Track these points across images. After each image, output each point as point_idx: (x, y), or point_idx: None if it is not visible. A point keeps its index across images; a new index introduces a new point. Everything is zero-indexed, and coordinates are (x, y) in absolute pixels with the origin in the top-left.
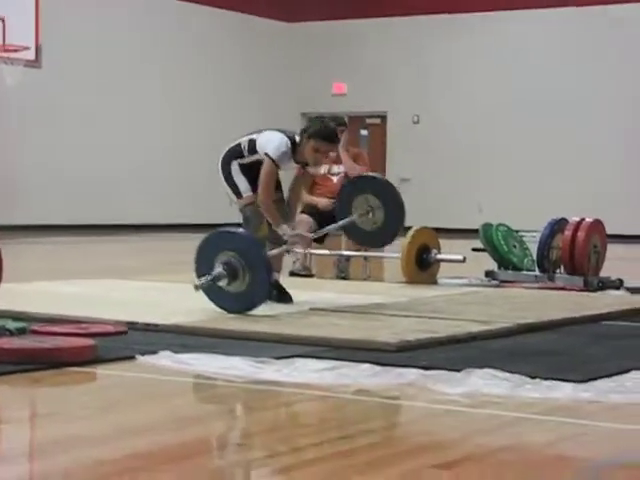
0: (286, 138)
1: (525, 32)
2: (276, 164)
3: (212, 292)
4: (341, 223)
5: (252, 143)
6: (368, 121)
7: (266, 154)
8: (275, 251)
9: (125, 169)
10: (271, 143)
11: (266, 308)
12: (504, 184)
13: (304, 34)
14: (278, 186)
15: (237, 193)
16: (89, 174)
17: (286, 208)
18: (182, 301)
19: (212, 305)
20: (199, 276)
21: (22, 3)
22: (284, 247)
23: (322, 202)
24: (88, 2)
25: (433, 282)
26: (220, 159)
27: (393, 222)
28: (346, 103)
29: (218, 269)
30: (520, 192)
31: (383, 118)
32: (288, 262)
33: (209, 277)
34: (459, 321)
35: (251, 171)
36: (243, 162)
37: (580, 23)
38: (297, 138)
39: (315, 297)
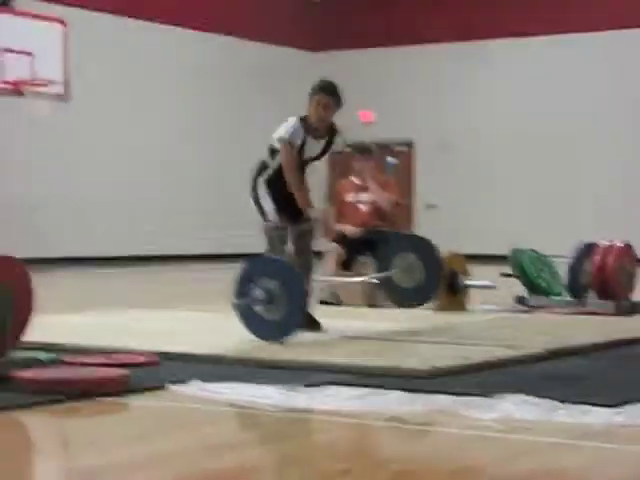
0: (295, 118)
1: (548, 58)
2: (291, 144)
3: (247, 316)
4: (379, 275)
5: (271, 147)
6: (395, 149)
7: (279, 139)
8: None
9: (152, 200)
10: (282, 128)
11: (296, 336)
12: (532, 208)
13: (329, 63)
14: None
15: (263, 214)
16: (116, 206)
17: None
18: (211, 330)
19: (242, 334)
20: (237, 297)
21: (49, 37)
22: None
23: (349, 229)
24: (115, 36)
25: (463, 309)
26: (251, 179)
27: (432, 282)
28: (373, 131)
29: (257, 293)
30: (549, 216)
31: (410, 145)
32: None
33: (247, 299)
34: (490, 347)
35: (278, 182)
36: (268, 174)
37: (607, 47)
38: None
39: (344, 325)
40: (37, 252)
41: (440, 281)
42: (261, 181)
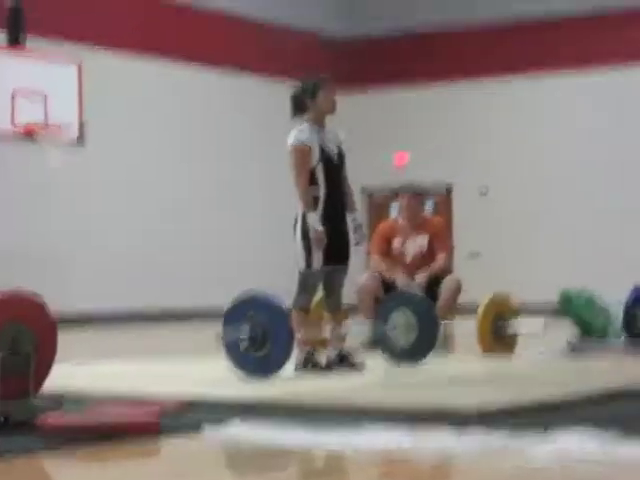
0: (296, 128)
1: (595, 96)
2: (301, 147)
3: (232, 351)
4: (374, 333)
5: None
6: (433, 193)
7: (289, 146)
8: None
9: (169, 251)
10: (288, 140)
11: (336, 380)
12: (580, 250)
13: (363, 103)
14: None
15: (308, 262)
16: (135, 257)
17: (346, 199)
18: (243, 378)
19: (275, 381)
20: (225, 332)
21: (63, 78)
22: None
23: (401, 279)
24: (129, 79)
25: (511, 352)
26: (300, 218)
27: (426, 342)
28: (409, 175)
29: (243, 329)
30: (599, 257)
31: (448, 190)
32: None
33: (232, 334)
34: (543, 389)
35: (326, 223)
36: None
37: None
38: (303, 120)
39: (387, 369)
40: (57, 306)
41: (435, 341)
42: (297, 227)
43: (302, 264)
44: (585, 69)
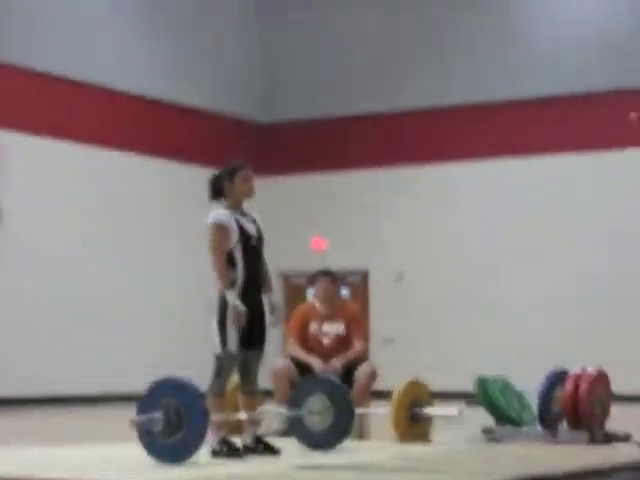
0: (214, 210)
1: (507, 182)
2: (218, 226)
3: (146, 436)
4: (289, 414)
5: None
6: (349, 279)
7: (207, 226)
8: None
9: (87, 333)
10: (207, 220)
11: (252, 464)
12: (495, 337)
13: (279, 188)
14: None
15: (224, 342)
16: (51, 339)
17: (264, 281)
18: (158, 464)
19: (190, 466)
20: (138, 416)
21: None
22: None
23: (316, 364)
24: (46, 163)
25: (426, 439)
26: (217, 299)
27: (341, 427)
28: (325, 260)
29: (156, 413)
30: (514, 344)
31: (364, 275)
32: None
33: (145, 417)
34: (456, 474)
35: (245, 303)
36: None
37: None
38: (221, 204)
39: (302, 454)
40: None
41: (350, 427)
42: (230, 312)
43: (217, 346)
44: (504, 154)
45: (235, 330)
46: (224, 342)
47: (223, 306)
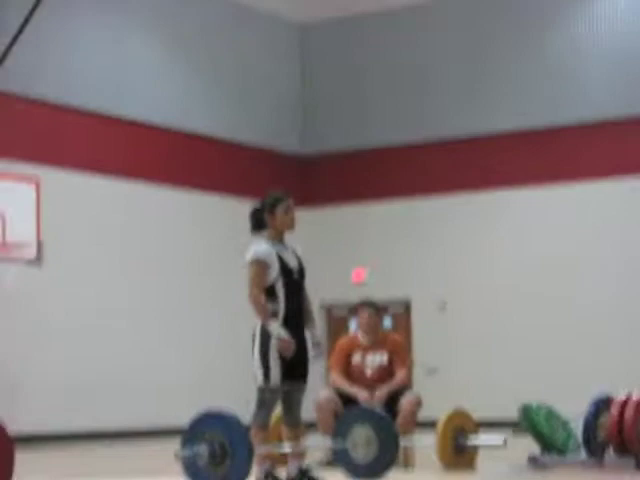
0: (255, 243)
1: (553, 206)
2: (258, 261)
3: (190, 469)
4: (334, 446)
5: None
6: (391, 309)
7: (247, 260)
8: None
9: (138, 372)
10: (246, 255)
11: None
12: (539, 364)
13: (317, 219)
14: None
15: (266, 375)
16: (90, 379)
17: (306, 314)
18: None
19: None
20: (183, 450)
21: (22, 199)
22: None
23: (361, 395)
24: (87, 197)
25: (472, 468)
26: (258, 332)
27: (386, 458)
28: (366, 291)
29: (201, 446)
30: (558, 371)
31: (407, 305)
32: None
33: (190, 451)
34: None
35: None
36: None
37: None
38: (262, 236)
39: None
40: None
41: (395, 458)
42: (273, 343)
43: (260, 379)
44: (545, 183)
45: (279, 362)
46: (266, 375)
47: (265, 338)
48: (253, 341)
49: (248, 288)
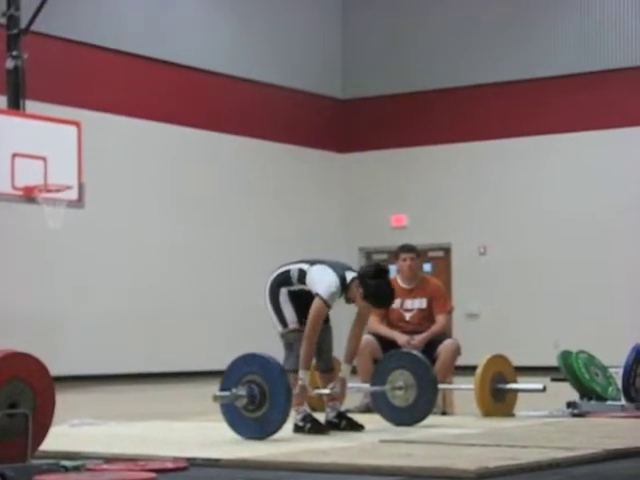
0: (336, 278)
1: (598, 152)
2: (327, 305)
3: (229, 411)
4: (372, 389)
5: (302, 274)
6: (430, 254)
7: (317, 294)
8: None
9: (169, 311)
10: (321, 284)
11: (336, 439)
12: (579, 314)
13: (359, 164)
14: (327, 319)
15: (283, 322)
16: (132, 317)
17: (347, 347)
18: (242, 439)
19: (275, 439)
20: (222, 392)
21: (63, 140)
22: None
23: (400, 339)
24: (129, 141)
25: (510, 415)
26: (268, 285)
27: (425, 403)
28: (406, 236)
29: (240, 388)
30: (599, 321)
31: (447, 251)
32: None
33: (229, 393)
34: (541, 448)
35: (299, 298)
36: (291, 289)
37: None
38: (348, 276)
39: (385, 429)
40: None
41: (434, 402)
42: (284, 290)
43: (278, 326)
44: (583, 128)
45: (290, 305)
46: (282, 320)
47: (273, 288)
48: (264, 295)
49: (309, 322)
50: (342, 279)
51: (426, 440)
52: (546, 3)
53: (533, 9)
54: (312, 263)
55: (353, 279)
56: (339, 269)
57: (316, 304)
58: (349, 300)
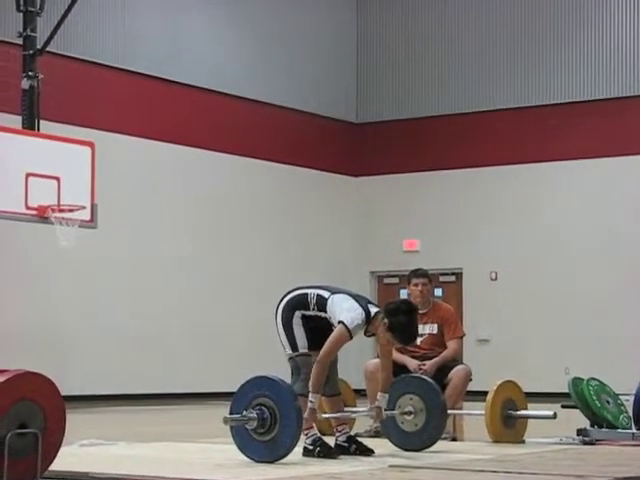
0: (362, 310)
1: (610, 180)
2: (350, 335)
3: (239, 434)
4: (384, 414)
5: (321, 300)
6: (442, 279)
7: (341, 322)
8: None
9: (179, 333)
10: (347, 313)
11: (345, 463)
12: (591, 341)
13: (372, 188)
14: None
15: (293, 345)
16: (144, 338)
17: (380, 378)
18: (252, 462)
19: (284, 465)
20: (231, 414)
21: (77, 160)
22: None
23: (411, 364)
24: (141, 161)
25: (521, 441)
26: (281, 306)
27: (434, 428)
28: (418, 260)
29: (250, 411)
30: (611, 348)
31: (458, 276)
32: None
33: (240, 415)
34: (551, 476)
35: (313, 323)
36: (306, 314)
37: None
38: (372, 310)
39: (394, 454)
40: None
41: (443, 428)
42: (299, 314)
43: (288, 349)
44: (597, 155)
45: (302, 329)
46: (293, 344)
47: (286, 311)
48: (276, 313)
49: (327, 345)
50: (367, 313)
51: (435, 466)
52: (558, 31)
53: (544, 37)
54: (333, 292)
55: (377, 313)
56: (363, 302)
57: (340, 331)
58: (368, 333)
